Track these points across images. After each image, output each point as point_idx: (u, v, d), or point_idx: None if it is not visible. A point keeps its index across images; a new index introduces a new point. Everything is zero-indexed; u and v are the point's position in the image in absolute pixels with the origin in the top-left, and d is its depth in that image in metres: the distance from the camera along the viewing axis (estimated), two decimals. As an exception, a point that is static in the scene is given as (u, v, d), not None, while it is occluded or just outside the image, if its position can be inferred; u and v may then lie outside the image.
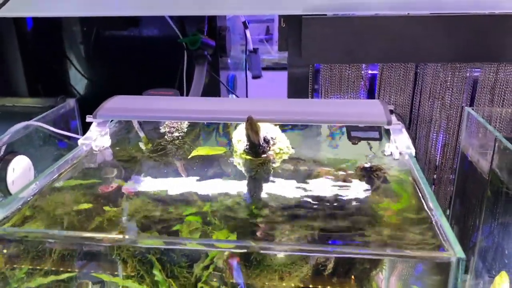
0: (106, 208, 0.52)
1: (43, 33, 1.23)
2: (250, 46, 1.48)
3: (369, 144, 0.69)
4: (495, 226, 0.69)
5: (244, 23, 1.46)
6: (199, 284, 0.48)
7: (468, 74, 0.90)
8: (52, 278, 0.53)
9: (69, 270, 0.51)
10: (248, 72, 1.50)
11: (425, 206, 0.50)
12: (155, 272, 0.49)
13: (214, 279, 0.49)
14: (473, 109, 0.81)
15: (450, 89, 0.91)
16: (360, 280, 0.48)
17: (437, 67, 0.90)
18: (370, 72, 0.94)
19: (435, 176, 0.98)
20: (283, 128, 0.69)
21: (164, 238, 0.49)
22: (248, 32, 1.47)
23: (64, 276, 0.52)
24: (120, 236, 0.48)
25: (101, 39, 1.24)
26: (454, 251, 0.41)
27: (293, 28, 0.90)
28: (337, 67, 0.92)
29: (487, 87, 0.90)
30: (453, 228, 0.84)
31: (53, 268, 0.52)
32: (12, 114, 0.86)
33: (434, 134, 0.95)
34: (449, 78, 0.90)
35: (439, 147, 0.96)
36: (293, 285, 0.48)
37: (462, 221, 0.85)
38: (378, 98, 0.93)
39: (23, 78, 1.13)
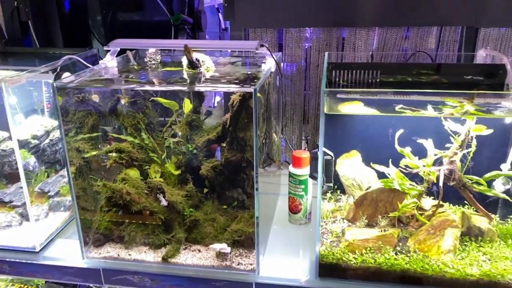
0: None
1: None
2: (222, 25, 2.06)
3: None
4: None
5: (217, 8, 2.04)
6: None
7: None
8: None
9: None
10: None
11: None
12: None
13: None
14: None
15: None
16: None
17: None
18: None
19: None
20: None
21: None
22: (220, 15, 2.05)
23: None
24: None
25: (115, 16, 1.82)
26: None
27: (231, 3, 1.46)
28: (258, 30, 1.48)
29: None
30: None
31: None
32: (55, 57, 1.41)
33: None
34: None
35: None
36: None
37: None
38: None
39: (61, 37, 1.73)
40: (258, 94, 1.02)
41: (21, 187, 1.25)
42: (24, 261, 1.17)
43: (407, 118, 1.09)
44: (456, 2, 1.35)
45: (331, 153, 1.01)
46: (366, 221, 1.11)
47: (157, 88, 1.18)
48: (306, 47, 1.51)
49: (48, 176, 1.35)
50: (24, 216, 1.27)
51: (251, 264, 1.11)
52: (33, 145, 1.31)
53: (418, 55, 1.40)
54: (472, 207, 1.11)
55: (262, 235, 1.17)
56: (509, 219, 1.12)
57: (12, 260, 1.17)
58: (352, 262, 1.04)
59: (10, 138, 1.31)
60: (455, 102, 0.99)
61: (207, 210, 1.20)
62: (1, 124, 1.30)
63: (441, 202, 1.11)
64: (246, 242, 1.14)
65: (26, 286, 1.65)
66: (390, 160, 1.09)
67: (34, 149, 1.32)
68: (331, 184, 1.04)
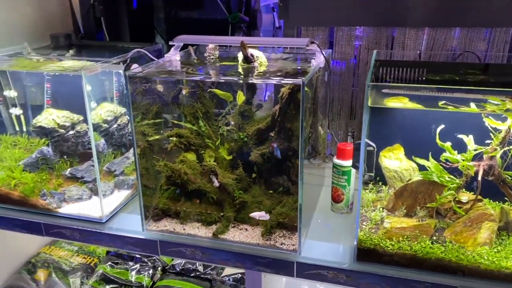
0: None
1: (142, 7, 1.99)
2: (277, 24, 2.16)
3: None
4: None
5: (272, 8, 2.14)
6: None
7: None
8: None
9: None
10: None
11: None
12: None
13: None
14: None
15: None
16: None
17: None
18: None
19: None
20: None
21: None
22: (274, 14, 2.15)
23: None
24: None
25: (177, 14, 1.97)
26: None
27: (286, 2, 1.55)
28: (310, 29, 1.57)
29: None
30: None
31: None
32: (123, 50, 1.56)
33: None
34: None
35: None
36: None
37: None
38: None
39: (128, 32, 1.89)
40: (306, 88, 1.11)
41: (92, 165, 1.41)
42: (91, 229, 1.32)
43: (449, 114, 1.13)
44: (508, 2, 1.37)
45: (373, 144, 1.08)
46: (405, 211, 1.16)
47: (213, 79, 1.29)
48: (356, 45, 1.57)
49: (114, 157, 1.51)
50: (93, 191, 1.42)
51: (293, 245, 1.20)
52: (103, 129, 1.47)
53: (466, 55, 1.43)
54: (512, 204, 1.14)
55: (304, 220, 1.26)
56: (550, 218, 1.13)
57: (82, 228, 1.33)
58: (388, 248, 1.10)
59: (84, 121, 1.47)
60: (497, 101, 1.03)
61: (254, 193, 1.30)
62: (77, 109, 1.47)
63: (481, 198, 1.15)
64: (289, 224, 1.23)
65: (89, 257, 1.83)
66: (430, 153, 1.14)
67: (104, 133, 1.47)
68: (372, 174, 1.11)
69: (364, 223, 1.16)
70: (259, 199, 1.29)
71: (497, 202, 1.18)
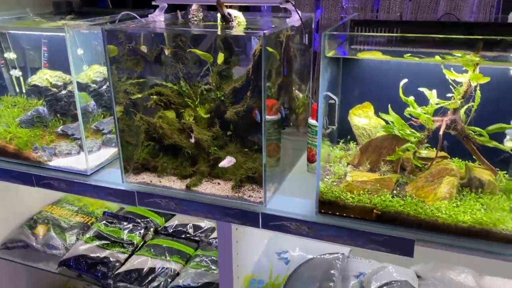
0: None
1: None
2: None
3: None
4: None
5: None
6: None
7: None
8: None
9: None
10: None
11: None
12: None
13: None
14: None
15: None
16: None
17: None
18: None
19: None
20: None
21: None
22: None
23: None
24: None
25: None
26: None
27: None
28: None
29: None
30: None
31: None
32: None
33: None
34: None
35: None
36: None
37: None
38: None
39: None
40: (270, 49, 1.14)
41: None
42: (77, 181, 1.40)
43: (416, 71, 1.13)
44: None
45: (335, 97, 1.09)
46: (369, 166, 1.17)
47: (177, 31, 1.34)
48: (342, 13, 1.58)
49: (104, 117, 1.58)
50: (82, 147, 1.50)
51: (260, 198, 1.23)
52: (93, 89, 1.54)
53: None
54: (478, 162, 1.13)
55: (274, 177, 1.29)
56: (518, 176, 1.12)
57: (68, 179, 1.41)
58: (349, 201, 1.12)
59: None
60: (460, 53, 1.02)
61: (229, 150, 1.34)
62: (69, 70, 1.54)
63: (447, 155, 1.15)
64: (259, 179, 1.26)
65: (87, 217, 1.92)
66: (389, 106, 1.14)
67: (94, 93, 1.55)
68: (334, 127, 1.12)
69: (327, 177, 1.18)
70: (233, 156, 1.33)
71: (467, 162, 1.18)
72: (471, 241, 1.04)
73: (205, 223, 1.88)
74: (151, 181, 1.34)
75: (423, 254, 1.09)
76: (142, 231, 1.81)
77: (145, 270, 1.60)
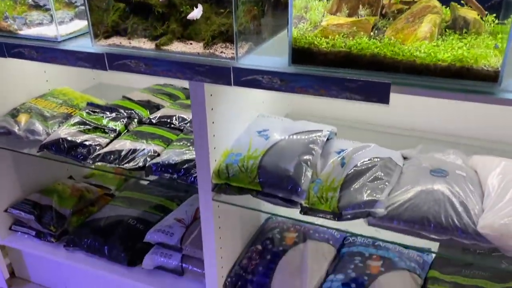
0: None
1: None
2: None
3: None
4: None
5: None
6: None
7: None
8: None
9: None
10: None
11: None
12: None
13: None
14: None
15: None
16: None
17: None
18: None
19: None
20: None
21: None
22: None
23: None
24: None
25: None
26: None
27: None
28: None
29: None
30: None
31: None
32: None
33: None
34: None
35: None
36: None
37: None
38: None
39: None
40: None
41: (51, -11, 1.41)
42: (47, 47, 1.35)
43: None
44: None
45: None
46: (348, 12, 1.09)
47: None
48: None
49: (77, -11, 1.50)
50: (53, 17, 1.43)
51: (232, 53, 1.16)
52: (64, -44, 1.45)
53: None
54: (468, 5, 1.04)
55: (250, 37, 1.22)
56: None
57: (38, 46, 1.36)
58: (323, 46, 1.05)
59: None
60: None
61: (204, 9, 1.26)
62: None
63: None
64: (231, 36, 1.19)
65: (72, 109, 1.89)
66: None
67: (66, -39, 1.46)
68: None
69: (302, 23, 1.10)
70: (207, 15, 1.25)
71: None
72: (450, 81, 0.97)
73: (190, 115, 1.83)
74: (120, 43, 1.28)
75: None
76: (125, 120, 1.77)
77: (124, 151, 1.57)
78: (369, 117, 1.73)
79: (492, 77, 0.93)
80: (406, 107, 1.59)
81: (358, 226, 1.24)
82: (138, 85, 2.13)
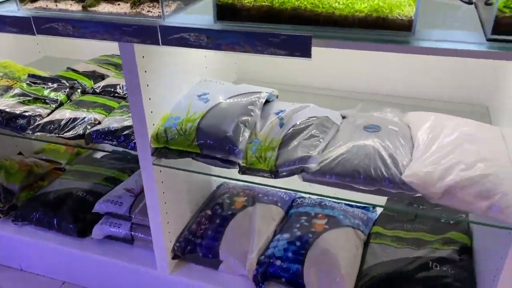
0: None
1: None
2: None
3: None
4: None
5: None
6: None
7: None
8: None
9: None
10: None
11: None
12: None
13: None
14: None
15: None
16: None
17: None
18: None
19: None
20: None
21: None
22: None
23: None
24: None
25: None
26: None
27: None
28: None
29: None
30: None
31: None
32: None
33: None
34: None
35: None
36: None
37: None
38: None
39: None
40: None
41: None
42: (-29, 12, 1.30)
43: None
44: None
45: None
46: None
47: None
48: None
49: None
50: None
51: (159, 12, 1.15)
52: None
53: None
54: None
55: None
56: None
57: (-38, 11, 1.31)
58: (246, 1, 1.04)
59: None
60: None
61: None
62: None
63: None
64: (160, -5, 1.17)
65: (13, 81, 1.84)
66: None
67: None
68: None
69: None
70: (135, -24, 1.23)
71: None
72: (368, 32, 0.99)
73: (136, 84, 1.80)
74: (47, 6, 1.25)
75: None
76: (67, 90, 1.73)
77: (64, 120, 1.55)
78: (317, 82, 1.75)
79: (406, 26, 0.96)
80: (355, 70, 1.62)
81: (307, 186, 1.25)
82: (86, 57, 2.08)
